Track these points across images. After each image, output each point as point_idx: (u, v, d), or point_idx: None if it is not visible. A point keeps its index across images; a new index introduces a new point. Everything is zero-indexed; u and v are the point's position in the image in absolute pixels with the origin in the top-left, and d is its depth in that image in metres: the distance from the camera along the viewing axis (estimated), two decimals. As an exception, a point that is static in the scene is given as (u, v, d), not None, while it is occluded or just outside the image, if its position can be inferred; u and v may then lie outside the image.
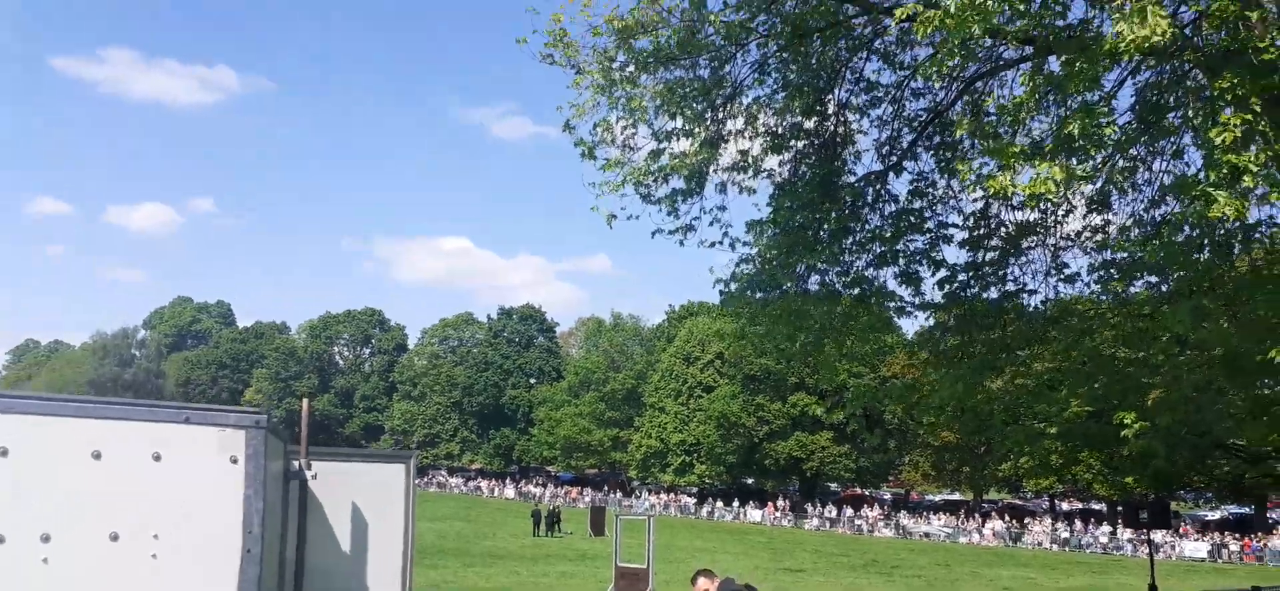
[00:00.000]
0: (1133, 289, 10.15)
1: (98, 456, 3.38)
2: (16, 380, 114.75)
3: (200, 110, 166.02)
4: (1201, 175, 5.95)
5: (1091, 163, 6.70)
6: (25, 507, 3.27)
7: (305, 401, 4.80)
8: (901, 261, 10.87)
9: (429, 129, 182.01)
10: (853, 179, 10.91)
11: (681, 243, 10.41)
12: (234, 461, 3.57)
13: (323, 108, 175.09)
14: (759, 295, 11.10)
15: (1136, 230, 8.88)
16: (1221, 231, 5.57)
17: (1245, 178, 5.58)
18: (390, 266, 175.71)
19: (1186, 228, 7.04)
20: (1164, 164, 8.46)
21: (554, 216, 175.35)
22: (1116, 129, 6.45)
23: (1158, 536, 48.25)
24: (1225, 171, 5.57)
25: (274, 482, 4.03)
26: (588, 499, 73.51)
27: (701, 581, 7.92)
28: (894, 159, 10.95)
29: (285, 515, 4.49)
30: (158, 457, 3.47)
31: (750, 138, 10.35)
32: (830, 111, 10.80)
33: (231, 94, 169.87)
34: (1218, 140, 5.55)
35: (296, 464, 4.52)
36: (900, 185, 11.11)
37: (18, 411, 3.31)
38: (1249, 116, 5.59)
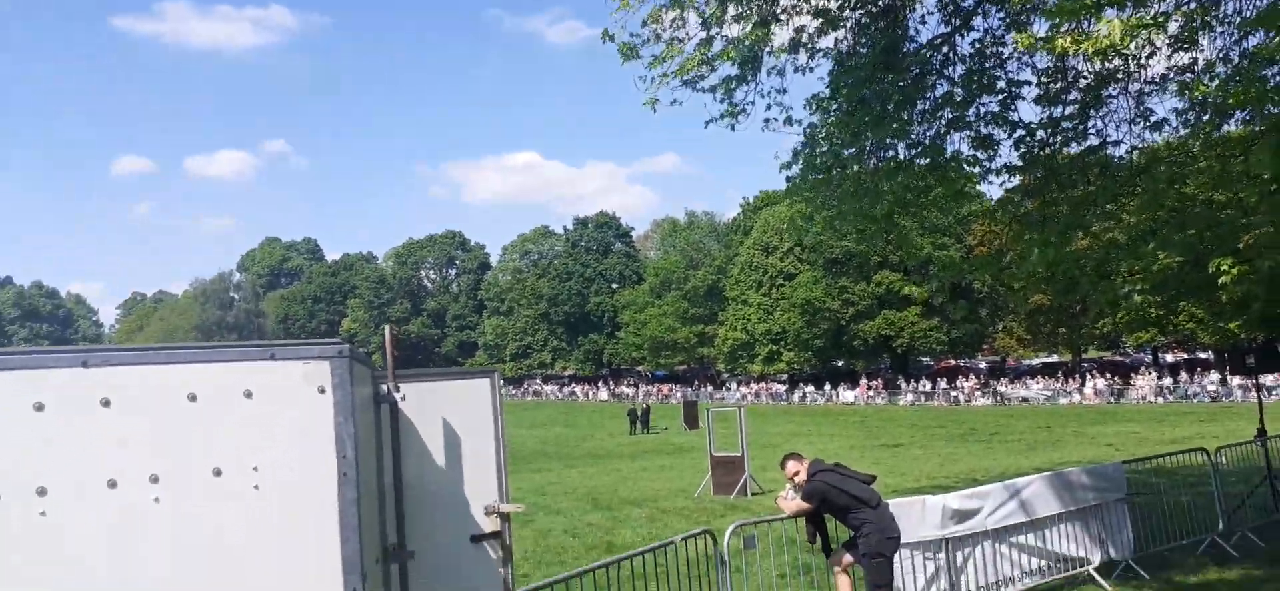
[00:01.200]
0: (1225, 129, 9.60)
1: (193, 398, 3.57)
2: (130, 331, 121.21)
3: (259, 53, 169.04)
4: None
5: (1163, 5, 6.26)
6: (130, 453, 3.48)
7: (388, 328, 4.96)
8: (974, 125, 10.49)
9: (483, 44, 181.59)
10: (917, 45, 10.48)
11: (732, 127, 10.16)
12: (322, 391, 3.73)
13: (375, 37, 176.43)
14: (825, 175, 10.85)
15: (1223, 67, 8.33)
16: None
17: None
18: (462, 189, 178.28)
19: (1275, 63, 6.57)
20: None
21: (619, 120, 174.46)
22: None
23: (1268, 379, 46.65)
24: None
25: (364, 407, 4.20)
26: (679, 395, 74.58)
27: (791, 464, 7.99)
28: (959, 20, 10.47)
29: (379, 437, 4.69)
30: (249, 394, 3.65)
31: (806, 14, 9.97)
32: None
33: (287, 32, 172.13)
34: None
35: (385, 387, 4.70)
36: (967, 47, 10.64)
37: (114, 363, 3.51)
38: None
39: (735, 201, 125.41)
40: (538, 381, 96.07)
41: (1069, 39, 5.83)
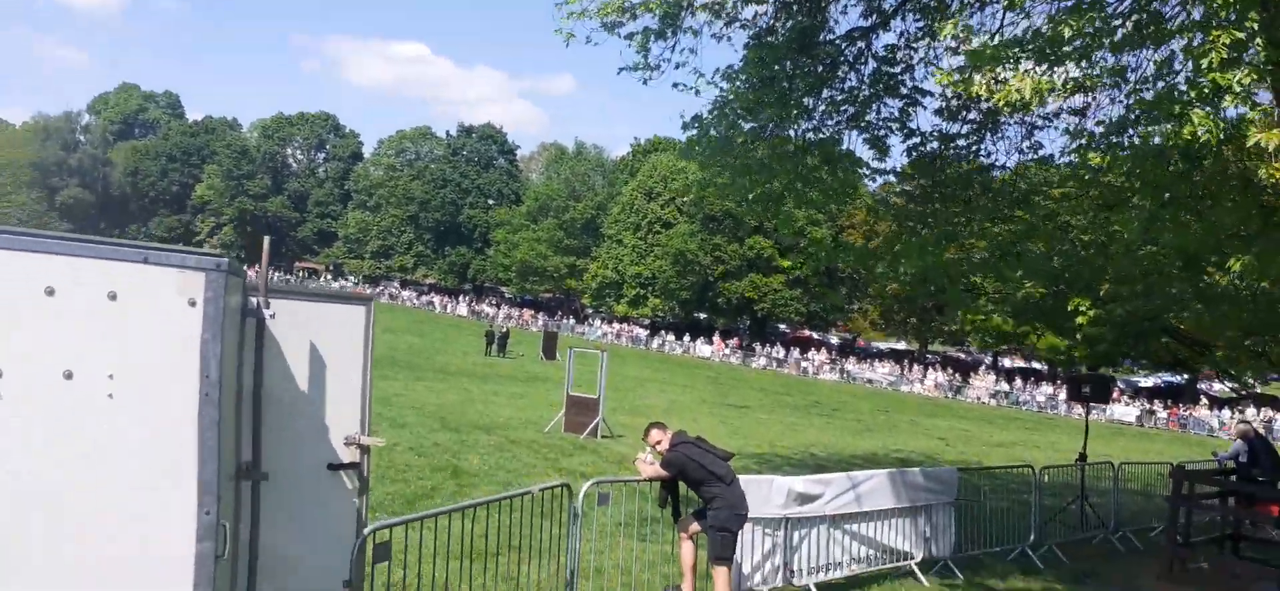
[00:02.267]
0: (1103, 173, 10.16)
1: (51, 293, 3.27)
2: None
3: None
4: (1183, 92, 5.85)
5: (1070, 70, 6.55)
6: (-25, 342, 3.18)
7: (266, 239, 4.68)
8: (873, 126, 10.74)
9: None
10: (834, 36, 10.62)
11: (645, 81, 10.12)
12: (192, 304, 3.49)
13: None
14: (723, 144, 10.92)
15: (1110, 108, 8.81)
16: (1195, 145, 5.56)
17: (1227, 98, 5.51)
18: (341, 67, 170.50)
19: (1157, 140, 7.01)
20: (1149, 69, 8.32)
21: (517, 29, 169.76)
22: (1109, 34, 6.29)
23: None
24: (1207, 90, 5.49)
25: (232, 319, 3.96)
26: (541, 323, 74.52)
27: (655, 432, 8.13)
28: (878, 17, 10.65)
29: (241, 352, 4.44)
30: (113, 296, 3.37)
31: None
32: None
33: None
34: (1204, 60, 5.44)
35: (255, 301, 4.45)
36: (881, 47, 10.85)
37: (-36, 243, 3.17)
38: (1241, 34, 5.47)
39: (625, 139, 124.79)
40: (395, 285, 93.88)
41: (984, 86, 6.02)
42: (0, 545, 3.25)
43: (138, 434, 3.43)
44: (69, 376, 3.31)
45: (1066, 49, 5.91)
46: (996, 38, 6.36)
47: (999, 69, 6.07)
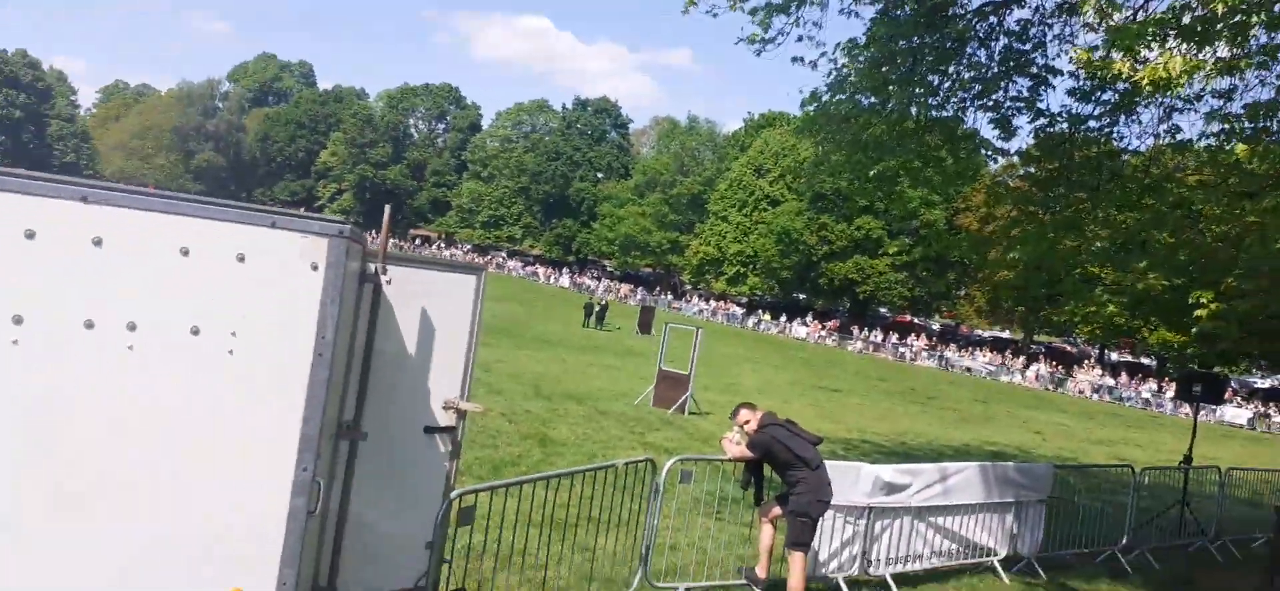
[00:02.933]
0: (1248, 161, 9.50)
1: (185, 253, 3.44)
2: (104, 119, 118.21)
3: None
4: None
5: (1220, 50, 6.11)
6: (114, 296, 3.37)
7: (386, 208, 4.82)
8: (1000, 104, 10.28)
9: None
10: (965, 10, 10.18)
11: (759, 53, 9.95)
12: (315, 268, 3.61)
13: None
14: (843, 121, 10.67)
15: (1264, 99, 8.21)
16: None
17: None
18: (468, 42, 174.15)
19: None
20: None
21: (639, 2, 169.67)
22: (1267, 8, 5.84)
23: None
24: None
25: (350, 284, 4.10)
26: (639, 297, 74.90)
27: (743, 413, 8.02)
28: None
29: (357, 314, 4.59)
30: (242, 258, 3.53)
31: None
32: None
33: None
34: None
35: (373, 267, 4.59)
36: (1013, 23, 10.35)
37: (112, 204, 3.36)
38: None
39: (739, 114, 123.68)
40: (503, 255, 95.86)
41: (1126, 64, 5.68)
42: (129, 484, 3.45)
43: (251, 389, 3.58)
44: (196, 333, 3.48)
45: (1219, 27, 5.52)
46: (1140, 14, 5.97)
47: (1140, 48, 5.72)
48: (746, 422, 7.92)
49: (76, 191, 3.33)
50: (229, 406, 3.56)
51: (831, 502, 7.85)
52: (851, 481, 8.70)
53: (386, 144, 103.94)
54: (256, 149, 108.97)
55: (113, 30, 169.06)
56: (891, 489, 9.04)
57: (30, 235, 3.27)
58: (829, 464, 7.96)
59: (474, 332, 5.29)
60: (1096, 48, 6.55)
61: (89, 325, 3.33)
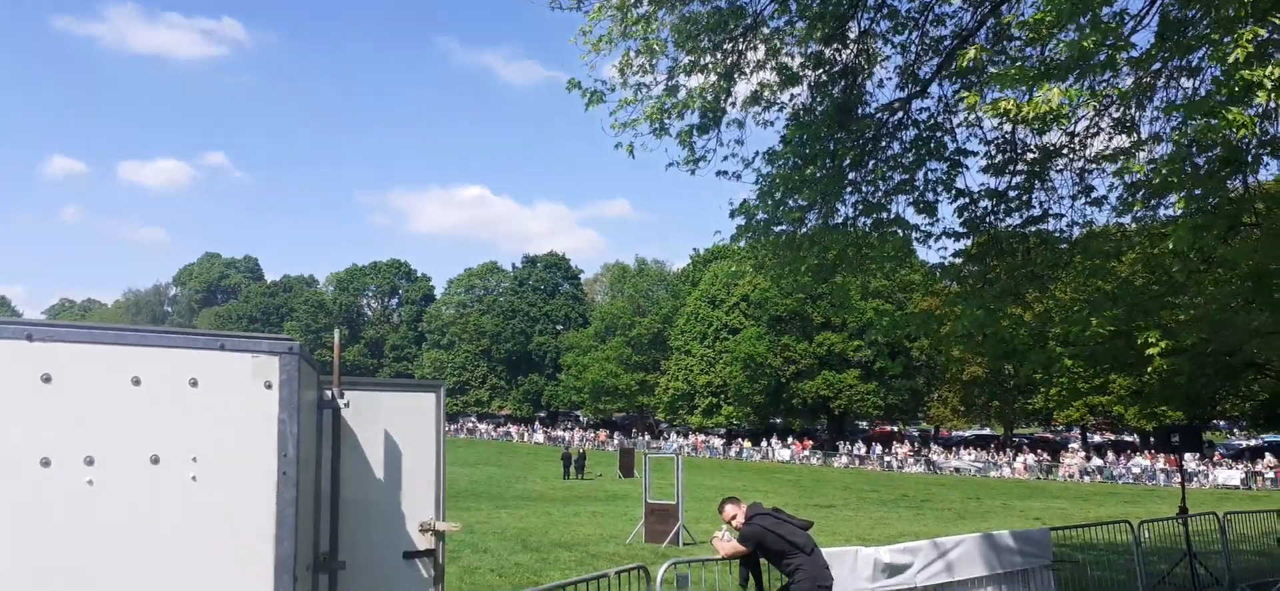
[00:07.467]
0: (1160, 212, 10.01)
1: (137, 382, 3.52)
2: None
3: (205, 64, 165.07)
4: (1212, 92, 5.85)
5: (1103, 82, 6.60)
6: (69, 432, 3.42)
7: (336, 332, 4.92)
8: (920, 190, 10.79)
9: (435, 76, 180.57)
10: (872, 107, 10.82)
11: (693, 171, 10.41)
12: (268, 386, 3.70)
13: (326, 58, 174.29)
14: (772, 223, 11.05)
15: (1159, 148, 8.76)
16: (1239, 144, 5.48)
17: (1258, 94, 5.48)
18: (407, 218, 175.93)
19: (1195, 150, 6.95)
20: (1181, 81, 8.29)
21: (571, 161, 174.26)
22: (1132, 46, 6.35)
23: (1191, 465, 48.00)
24: (1238, 88, 5.47)
25: (308, 410, 4.16)
26: (616, 442, 74.25)
27: (729, 507, 8.03)
28: (916, 86, 10.83)
29: (320, 443, 4.63)
30: (195, 383, 3.61)
31: (770, 70, 10.27)
32: (851, 39, 10.67)
33: (237, 45, 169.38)
34: (1231, 57, 5.44)
35: (329, 393, 4.65)
36: (920, 114, 11.00)
37: (60, 339, 3.45)
38: (1263, 29, 5.47)
39: (685, 252, 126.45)
40: (473, 419, 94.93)
41: (1011, 103, 6.11)
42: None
43: (219, 514, 3.60)
44: (156, 461, 3.53)
45: (1093, 63, 5.97)
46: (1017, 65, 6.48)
47: (1029, 94, 6.15)
48: (733, 517, 7.90)
49: (21, 330, 3.42)
50: (197, 535, 3.57)
51: (832, 588, 7.78)
52: (849, 567, 8.65)
53: (342, 325, 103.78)
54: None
55: (45, 254, 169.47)
56: (893, 570, 8.99)
57: (-25, 377, 3.33)
58: (824, 550, 7.93)
59: (440, 450, 5.32)
60: (987, 98, 6.99)
61: (45, 463, 3.37)
